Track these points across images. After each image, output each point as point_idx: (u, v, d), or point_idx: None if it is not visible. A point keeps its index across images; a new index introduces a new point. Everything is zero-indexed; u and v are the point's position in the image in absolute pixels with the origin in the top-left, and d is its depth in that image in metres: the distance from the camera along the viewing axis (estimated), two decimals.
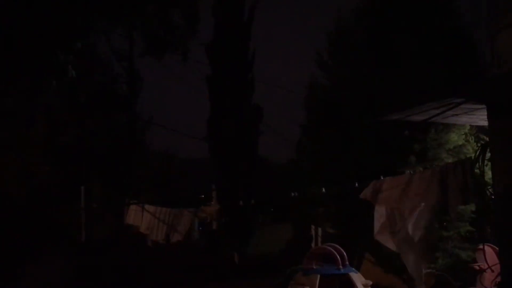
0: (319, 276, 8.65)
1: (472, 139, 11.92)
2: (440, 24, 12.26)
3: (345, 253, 9.05)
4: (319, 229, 18.35)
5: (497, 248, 7.60)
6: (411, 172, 9.59)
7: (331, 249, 9.09)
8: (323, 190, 12.23)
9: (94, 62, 15.93)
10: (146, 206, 13.73)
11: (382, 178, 9.65)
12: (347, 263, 9.06)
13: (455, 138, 11.72)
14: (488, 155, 7.84)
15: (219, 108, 21.45)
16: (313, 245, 18.08)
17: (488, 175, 8.13)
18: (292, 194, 13.21)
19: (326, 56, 16.14)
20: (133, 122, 18.37)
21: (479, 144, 10.60)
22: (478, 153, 8.24)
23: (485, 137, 10.63)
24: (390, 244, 9.42)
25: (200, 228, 19.93)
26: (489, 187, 7.91)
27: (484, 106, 7.44)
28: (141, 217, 13.69)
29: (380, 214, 9.46)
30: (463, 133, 11.76)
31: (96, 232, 15.40)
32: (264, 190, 23.83)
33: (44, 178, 14.60)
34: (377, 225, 9.55)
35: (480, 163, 8.02)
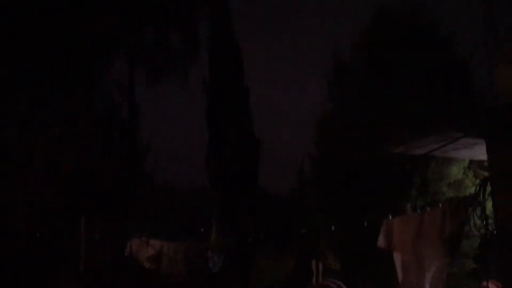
0: None
1: (471, 173, 11.95)
2: (437, 57, 12.50)
3: None
4: (320, 264, 18.11)
5: (501, 285, 7.50)
6: (422, 213, 9.51)
7: (333, 285, 8.91)
8: (332, 228, 12.14)
9: (94, 91, 16.15)
10: (151, 242, 13.65)
11: (390, 217, 9.54)
12: None
13: (455, 172, 11.75)
14: (488, 189, 7.83)
15: (218, 139, 21.60)
16: (314, 280, 17.78)
17: (489, 209, 8.11)
18: (294, 225, 13.14)
19: (330, 89, 16.33)
20: (133, 151, 18.46)
21: (478, 178, 10.62)
22: (478, 187, 8.24)
23: (483, 172, 10.65)
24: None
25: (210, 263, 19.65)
26: (491, 222, 7.88)
27: (483, 140, 7.49)
28: (145, 249, 13.57)
29: (398, 261, 9.21)
30: (463, 167, 11.80)
31: (96, 262, 15.23)
32: (265, 221, 23.66)
33: (45, 208, 14.57)
34: (399, 272, 9.26)
35: (481, 198, 8.00)
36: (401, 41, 13.07)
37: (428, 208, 10.46)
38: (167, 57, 13.94)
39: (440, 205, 9.80)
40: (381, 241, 9.40)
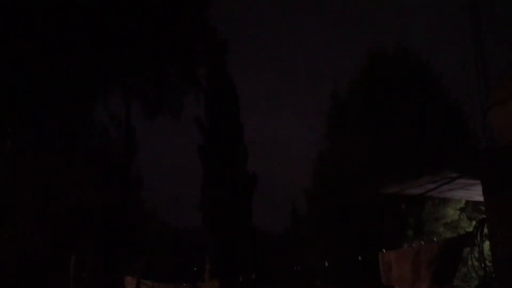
0: None
1: (464, 214, 11.95)
2: (431, 97, 12.73)
3: None
4: None
5: None
6: (415, 245, 9.47)
7: None
8: (326, 264, 12.00)
9: (90, 127, 16.16)
10: (142, 281, 13.37)
11: (384, 250, 9.49)
12: None
13: (451, 213, 11.74)
14: (485, 230, 7.82)
15: (212, 177, 21.52)
16: None
17: (486, 250, 8.06)
18: (289, 263, 12.95)
19: (326, 130, 16.48)
20: (127, 189, 18.31)
21: (475, 219, 10.60)
22: (475, 229, 8.22)
23: (479, 214, 10.65)
24: None
25: None
26: (489, 262, 7.83)
27: (479, 181, 7.54)
28: None
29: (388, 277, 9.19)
30: (459, 207, 11.81)
31: None
32: (260, 260, 23.27)
33: (34, 247, 14.28)
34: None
35: (479, 240, 7.98)
36: (395, 81, 13.34)
37: (423, 242, 10.38)
38: (164, 92, 14.08)
39: (435, 240, 9.76)
40: (383, 278, 9.35)
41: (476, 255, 8.10)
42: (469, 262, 8.03)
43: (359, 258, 10.00)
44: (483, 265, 7.98)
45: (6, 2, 6.91)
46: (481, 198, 7.86)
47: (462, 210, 11.91)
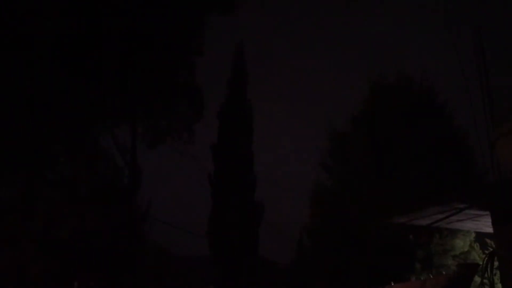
0: None
1: (477, 246, 11.66)
2: (436, 128, 12.62)
3: None
4: None
5: None
6: (422, 279, 9.26)
7: None
8: None
9: (96, 155, 16.19)
10: None
11: (392, 283, 9.30)
12: None
13: (460, 244, 11.46)
14: (496, 263, 7.61)
15: (221, 205, 21.36)
16: None
17: (498, 285, 7.82)
18: None
19: (328, 160, 16.36)
20: (132, 217, 18.18)
21: (485, 252, 10.34)
22: (486, 261, 8.00)
23: (490, 246, 10.39)
24: None
25: None
26: None
27: (487, 212, 7.38)
28: None
29: None
30: (468, 239, 11.53)
31: None
32: None
33: (38, 273, 14.13)
34: None
35: (489, 273, 7.75)
36: (399, 111, 13.26)
37: (431, 275, 10.14)
38: (170, 121, 14.13)
39: (443, 273, 9.52)
40: None
41: None
42: None
43: None
44: None
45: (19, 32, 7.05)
46: (491, 230, 7.68)
47: (473, 241, 11.62)
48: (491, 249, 9.83)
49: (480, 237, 11.65)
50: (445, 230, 11.08)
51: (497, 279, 7.87)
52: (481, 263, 8.67)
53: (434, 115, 13.13)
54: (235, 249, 20.78)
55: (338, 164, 15.61)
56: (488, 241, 10.78)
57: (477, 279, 8.42)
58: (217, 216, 21.40)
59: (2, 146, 7.99)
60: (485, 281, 7.86)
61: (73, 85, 7.63)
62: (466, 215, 7.84)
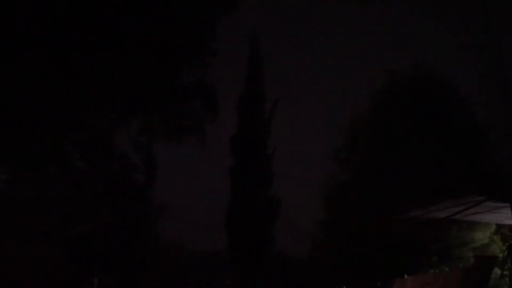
0: None
1: (498, 238, 11.42)
2: (455, 121, 12.38)
3: None
4: None
5: None
6: (435, 272, 9.12)
7: None
8: None
9: (111, 152, 16.27)
10: None
11: (405, 276, 9.20)
12: None
13: (480, 237, 11.23)
14: None
15: (239, 198, 21.37)
16: None
17: None
18: None
19: (343, 154, 16.19)
20: (147, 213, 18.26)
21: (506, 244, 10.13)
22: (506, 253, 7.83)
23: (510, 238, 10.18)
24: None
25: None
26: None
27: (508, 204, 7.19)
28: None
29: None
30: (489, 232, 11.29)
31: None
32: (282, 285, 22.83)
33: (55, 269, 14.30)
34: None
35: (510, 265, 7.59)
36: (415, 103, 13.02)
37: (447, 269, 9.98)
38: (186, 117, 14.13)
39: (460, 266, 9.37)
40: None
41: (508, 280, 7.69)
42: None
43: (379, 284, 9.68)
44: None
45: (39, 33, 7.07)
46: (511, 222, 7.51)
47: (493, 233, 11.38)
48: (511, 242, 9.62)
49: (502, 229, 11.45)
50: (464, 223, 10.88)
51: None
52: (501, 255, 8.50)
53: (452, 107, 12.86)
54: (252, 244, 20.76)
55: (352, 157, 15.44)
56: (508, 233, 10.58)
57: (498, 271, 8.25)
58: (235, 210, 21.41)
59: (17, 144, 8.03)
60: (506, 273, 7.70)
61: (88, 81, 7.62)
62: (485, 207, 7.67)
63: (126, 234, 16.67)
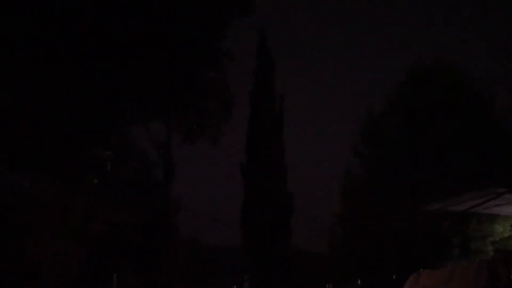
0: None
1: None
2: (473, 113, 12.31)
3: None
4: None
5: None
6: (452, 267, 9.12)
7: None
8: (358, 282, 11.75)
9: (131, 149, 16.53)
10: None
11: (421, 270, 9.20)
12: None
13: (500, 230, 11.18)
14: None
15: (253, 195, 21.46)
16: None
17: None
18: (328, 285, 12.69)
19: (360, 147, 16.20)
20: (167, 210, 18.48)
21: None
22: None
23: None
24: None
25: None
26: None
27: None
28: None
29: None
30: (509, 224, 11.23)
31: None
32: (299, 281, 22.94)
33: (78, 266, 14.59)
34: None
35: None
36: (436, 95, 12.98)
37: (465, 263, 9.97)
38: (203, 116, 14.33)
39: (477, 260, 9.36)
40: None
41: None
42: None
43: (394, 277, 9.73)
44: None
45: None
46: None
47: None
48: None
49: None
50: (484, 216, 10.86)
51: None
52: None
53: (473, 99, 12.80)
54: (267, 239, 20.88)
55: (371, 149, 15.45)
56: None
57: None
58: (249, 206, 21.53)
59: (41, 143, 8.26)
60: None
61: (108, 80, 7.81)
62: (506, 199, 7.68)
63: (146, 230, 16.91)
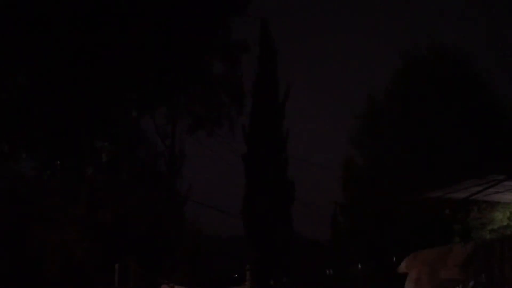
0: None
1: None
2: (474, 100, 12.29)
3: None
4: None
5: None
6: (450, 245, 9.30)
7: None
8: (359, 266, 11.92)
9: (137, 139, 16.58)
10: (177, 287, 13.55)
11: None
12: None
13: (499, 217, 11.28)
14: None
15: (254, 185, 21.54)
16: None
17: None
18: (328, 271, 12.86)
19: (360, 136, 16.23)
20: (172, 200, 18.59)
21: None
22: None
23: None
24: None
25: None
26: None
27: None
28: None
29: (411, 277, 9.21)
30: (508, 211, 11.32)
31: None
32: (300, 268, 23.13)
33: (81, 255, 14.75)
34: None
35: None
36: (433, 80, 12.90)
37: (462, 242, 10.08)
38: (212, 108, 14.30)
39: (475, 239, 9.52)
40: (402, 267, 9.39)
41: None
42: None
43: (394, 259, 9.89)
44: None
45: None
46: None
47: None
48: None
49: None
50: (483, 203, 10.95)
51: None
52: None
53: (470, 85, 12.73)
54: (268, 228, 21.01)
55: (370, 139, 15.47)
56: None
57: None
58: (250, 195, 21.62)
59: (46, 133, 8.33)
60: None
61: (117, 72, 7.85)
62: (505, 186, 7.79)
63: (151, 220, 17.05)
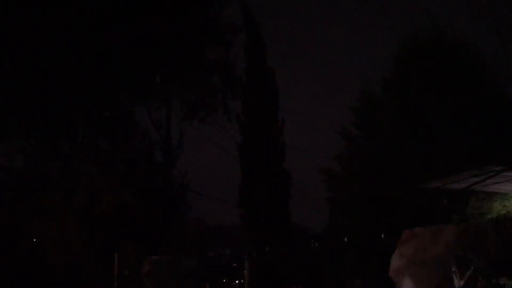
0: None
1: None
2: (472, 88, 12.14)
3: None
4: None
5: None
6: (443, 226, 9.36)
7: None
8: (345, 239, 11.97)
9: (132, 129, 16.51)
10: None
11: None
12: None
13: (498, 208, 11.27)
14: None
15: (250, 175, 21.50)
16: None
17: None
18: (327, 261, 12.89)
19: (353, 129, 16.07)
20: (168, 189, 18.58)
21: None
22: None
23: None
24: (404, 284, 9.15)
25: None
26: None
27: None
28: None
29: (401, 253, 9.33)
30: (507, 202, 11.31)
31: None
32: (298, 258, 23.26)
33: (81, 246, 14.80)
34: (394, 263, 9.45)
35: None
36: (432, 70, 12.69)
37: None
38: (206, 94, 14.20)
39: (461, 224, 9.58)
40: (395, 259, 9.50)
41: None
42: None
43: (382, 236, 9.93)
44: None
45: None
46: None
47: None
48: None
49: None
50: (482, 194, 10.93)
51: None
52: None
53: (470, 72, 12.51)
54: (265, 218, 21.04)
55: (365, 131, 15.36)
56: None
57: None
58: (247, 186, 21.59)
59: (43, 124, 8.24)
60: None
61: (109, 57, 7.72)
62: (504, 177, 7.76)
63: (149, 210, 17.07)
